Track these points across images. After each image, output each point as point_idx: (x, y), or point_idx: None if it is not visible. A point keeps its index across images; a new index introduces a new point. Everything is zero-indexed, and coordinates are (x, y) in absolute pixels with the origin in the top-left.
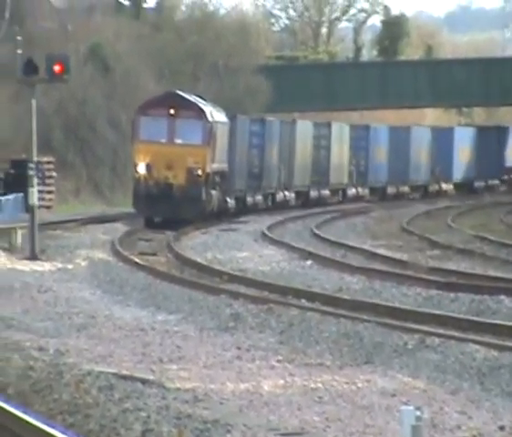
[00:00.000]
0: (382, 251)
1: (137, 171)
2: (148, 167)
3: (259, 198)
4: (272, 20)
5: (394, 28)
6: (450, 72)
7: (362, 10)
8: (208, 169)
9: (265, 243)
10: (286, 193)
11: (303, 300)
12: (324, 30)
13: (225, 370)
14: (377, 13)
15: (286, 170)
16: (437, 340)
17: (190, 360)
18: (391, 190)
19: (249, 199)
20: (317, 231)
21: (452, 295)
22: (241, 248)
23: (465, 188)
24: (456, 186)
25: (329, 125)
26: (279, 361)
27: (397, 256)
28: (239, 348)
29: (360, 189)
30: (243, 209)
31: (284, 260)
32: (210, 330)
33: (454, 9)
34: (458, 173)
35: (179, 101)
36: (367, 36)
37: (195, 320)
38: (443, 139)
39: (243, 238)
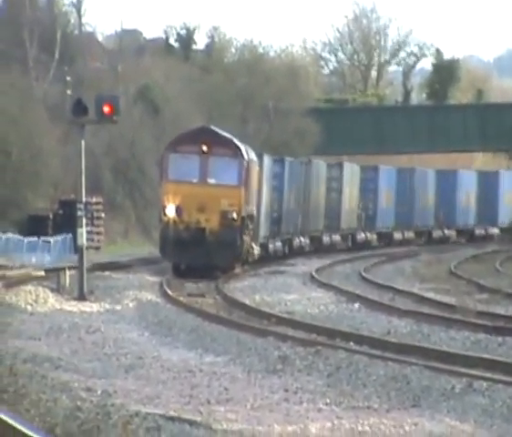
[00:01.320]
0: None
1: (165, 214)
2: (179, 209)
3: (278, 244)
4: (322, 63)
5: (444, 72)
6: (499, 116)
7: (411, 53)
8: (243, 213)
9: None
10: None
11: (351, 343)
12: (374, 73)
13: (272, 412)
14: (426, 56)
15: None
16: (485, 384)
17: (238, 402)
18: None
19: (270, 246)
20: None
21: (500, 339)
22: (290, 291)
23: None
24: (503, 230)
25: (340, 165)
26: (326, 404)
27: (446, 299)
28: (286, 390)
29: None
30: (265, 256)
31: (332, 303)
32: (258, 372)
33: (503, 53)
34: (504, 217)
35: (213, 137)
36: (416, 80)
37: (243, 362)
38: (488, 184)
39: (292, 281)
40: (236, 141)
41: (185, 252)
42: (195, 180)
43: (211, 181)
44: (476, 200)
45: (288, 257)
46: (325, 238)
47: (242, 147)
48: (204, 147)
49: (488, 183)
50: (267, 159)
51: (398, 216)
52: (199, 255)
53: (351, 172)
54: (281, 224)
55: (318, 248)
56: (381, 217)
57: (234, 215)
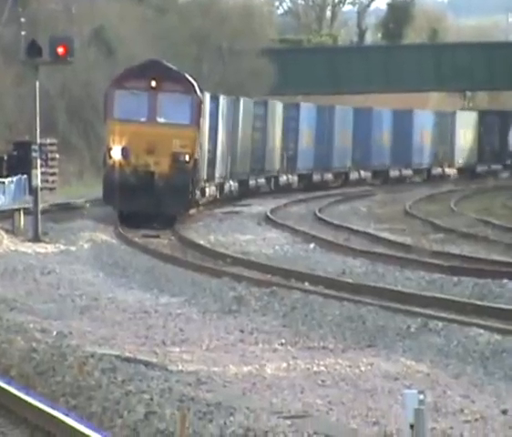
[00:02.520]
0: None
1: (110, 156)
2: (125, 151)
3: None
4: (276, 3)
5: (399, 12)
6: (454, 56)
7: None
8: (196, 155)
9: (268, 226)
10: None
11: (306, 284)
12: (328, 13)
13: (228, 353)
14: None
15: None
16: (440, 324)
17: (193, 343)
18: (393, 174)
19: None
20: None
21: (455, 279)
22: (245, 232)
23: (467, 172)
24: (459, 170)
25: (265, 103)
26: (282, 345)
27: (401, 239)
28: (242, 331)
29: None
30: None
31: (287, 243)
32: (213, 312)
33: None
34: (460, 157)
35: (163, 72)
36: (371, 20)
37: (198, 303)
38: (444, 123)
39: (247, 222)
40: (188, 76)
41: (132, 199)
42: (143, 119)
43: (161, 120)
44: (433, 141)
45: (242, 197)
46: (251, 182)
47: (195, 83)
48: (153, 83)
49: (444, 123)
50: (222, 99)
51: (317, 157)
52: (148, 202)
53: (273, 110)
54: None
55: (245, 192)
56: (301, 158)
57: (187, 157)
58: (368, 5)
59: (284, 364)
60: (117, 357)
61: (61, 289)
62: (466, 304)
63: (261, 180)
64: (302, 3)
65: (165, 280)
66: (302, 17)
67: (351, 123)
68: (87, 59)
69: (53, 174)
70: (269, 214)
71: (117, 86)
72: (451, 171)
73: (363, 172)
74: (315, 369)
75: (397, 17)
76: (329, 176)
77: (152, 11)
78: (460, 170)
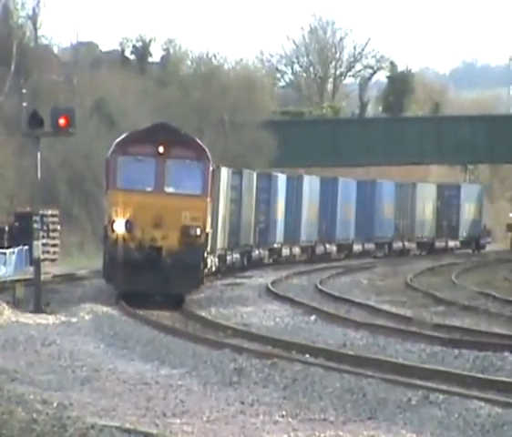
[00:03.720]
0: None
1: (112, 230)
2: (129, 224)
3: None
4: (278, 75)
5: (399, 84)
6: (455, 129)
7: (367, 66)
8: (208, 228)
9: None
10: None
11: (307, 356)
12: (329, 86)
13: (228, 424)
14: (383, 69)
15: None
16: (441, 397)
17: (194, 415)
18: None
19: (228, 258)
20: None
21: (456, 351)
22: (246, 303)
23: (426, 247)
24: (418, 244)
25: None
26: (282, 416)
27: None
28: (242, 402)
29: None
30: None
31: (288, 315)
32: (214, 384)
33: (458, 66)
34: (420, 231)
35: (172, 136)
36: (373, 92)
37: (199, 375)
38: (405, 195)
39: (248, 293)
40: (199, 141)
41: (136, 277)
42: (149, 189)
43: (170, 190)
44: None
45: (245, 269)
46: (228, 258)
47: (206, 149)
48: (161, 148)
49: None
50: (224, 170)
51: (287, 229)
52: (155, 281)
53: (248, 180)
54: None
55: (221, 267)
56: (273, 230)
57: (198, 231)
58: (370, 78)
59: (285, 436)
60: (117, 428)
61: (62, 361)
62: (467, 377)
63: (265, 252)
64: (304, 75)
65: (166, 352)
66: (304, 90)
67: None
68: (88, 131)
69: (54, 245)
70: (270, 286)
71: (121, 152)
72: (411, 245)
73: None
74: None
75: (397, 90)
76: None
77: (153, 83)
78: (419, 245)
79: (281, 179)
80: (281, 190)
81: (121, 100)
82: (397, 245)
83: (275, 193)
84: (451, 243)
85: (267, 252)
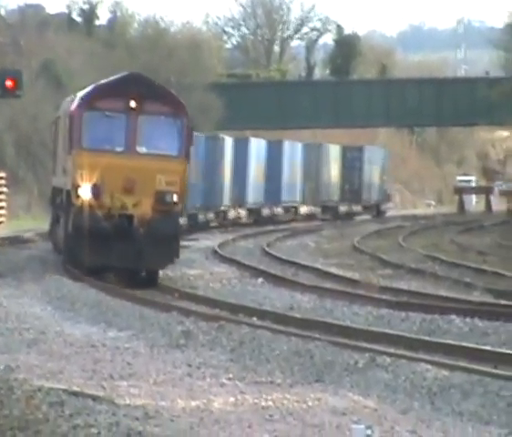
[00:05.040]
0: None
1: (77, 196)
2: (96, 189)
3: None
4: (225, 38)
5: (346, 47)
6: (403, 92)
7: (314, 29)
8: (185, 194)
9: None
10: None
11: (254, 318)
12: (277, 48)
13: (176, 387)
14: (329, 31)
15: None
16: (388, 360)
17: (141, 377)
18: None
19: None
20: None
21: (403, 314)
22: (193, 266)
23: (331, 212)
24: (323, 208)
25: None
26: (229, 379)
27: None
28: (189, 365)
29: None
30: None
31: (235, 278)
32: (161, 347)
33: (406, 29)
34: (325, 195)
35: (145, 88)
36: (320, 55)
37: (146, 337)
38: (312, 157)
39: (195, 256)
40: (176, 95)
41: (105, 251)
42: (119, 149)
43: (142, 150)
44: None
45: (191, 232)
46: (201, 216)
47: (184, 104)
48: (132, 103)
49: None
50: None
51: (233, 192)
52: (126, 254)
53: (196, 142)
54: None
55: (195, 227)
56: (219, 193)
57: (174, 197)
58: (316, 41)
59: (232, 399)
60: (64, 391)
61: (9, 323)
62: (414, 340)
63: (211, 215)
64: (251, 37)
65: (113, 315)
66: (251, 52)
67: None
68: (35, 93)
69: (1, 207)
70: (217, 249)
71: (87, 107)
72: (316, 210)
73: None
74: (263, 403)
75: (344, 53)
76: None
77: (100, 45)
78: (324, 209)
79: (228, 142)
80: (228, 153)
81: (68, 62)
82: (303, 209)
83: (222, 156)
84: (354, 208)
85: (213, 215)
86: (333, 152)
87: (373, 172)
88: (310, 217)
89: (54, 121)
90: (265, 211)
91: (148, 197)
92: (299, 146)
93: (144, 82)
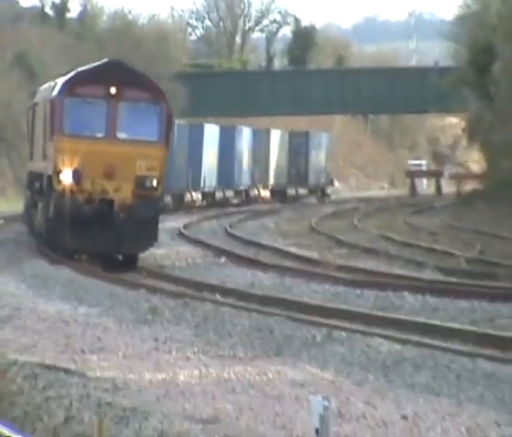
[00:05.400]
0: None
1: (58, 181)
2: (77, 174)
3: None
4: (189, 30)
5: (303, 39)
6: (358, 81)
7: (274, 21)
8: (164, 179)
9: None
10: None
11: (218, 296)
12: (238, 40)
13: (143, 360)
14: (288, 24)
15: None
16: (344, 334)
17: (110, 351)
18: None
19: None
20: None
21: (358, 291)
22: (159, 246)
23: (279, 195)
24: (272, 192)
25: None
26: (194, 353)
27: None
28: (156, 340)
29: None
30: None
31: (199, 257)
32: (130, 322)
33: (360, 21)
34: (273, 179)
35: (125, 75)
36: (279, 46)
37: (115, 314)
38: (261, 142)
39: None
40: (155, 82)
41: (86, 235)
42: (100, 135)
43: (123, 136)
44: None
45: None
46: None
47: (163, 91)
48: (113, 89)
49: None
50: None
51: (191, 177)
52: (106, 239)
53: (179, 131)
54: None
55: None
56: (177, 178)
57: (154, 182)
58: (276, 33)
59: (196, 372)
60: (37, 364)
61: None
62: (369, 315)
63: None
64: (214, 30)
65: (84, 292)
66: (214, 43)
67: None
68: (9, 82)
69: None
70: (182, 229)
71: (68, 93)
72: (265, 193)
73: None
74: (226, 376)
75: (302, 44)
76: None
77: (72, 37)
78: (272, 192)
79: (183, 128)
80: (184, 138)
81: (41, 53)
82: (254, 193)
83: (179, 141)
84: (301, 191)
85: (170, 198)
86: (281, 138)
87: (318, 157)
88: (260, 199)
89: (30, 107)
90: (218, 195)
91: (128, 182)
92: (249, 132)
93: (124, 69)
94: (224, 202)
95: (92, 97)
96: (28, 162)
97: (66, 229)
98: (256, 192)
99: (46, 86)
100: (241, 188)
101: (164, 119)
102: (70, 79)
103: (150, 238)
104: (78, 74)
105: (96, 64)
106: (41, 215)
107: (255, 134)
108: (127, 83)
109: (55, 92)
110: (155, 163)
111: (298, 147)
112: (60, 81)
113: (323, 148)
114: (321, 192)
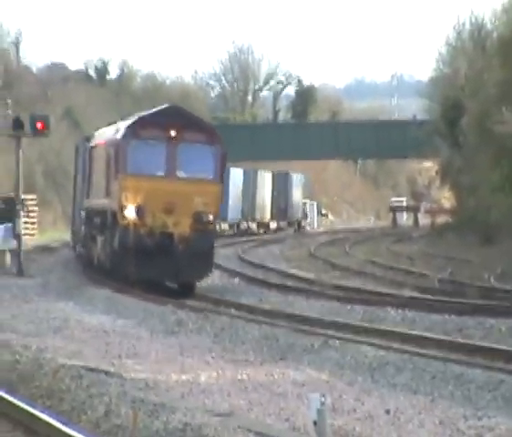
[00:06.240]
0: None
1: (123, 216)
2: (140, 210)
3: None
4: (209, 89)
5: (304, 97)
6: (349, 132)
7: (279, 82)
8: (219, 213)
9: None
10: None
11: (232, 310)
12: (249, 97)
13: (170, 364)
14: (291, 84)
15: None
16: (337, 342)
17: (143, 356)
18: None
19: None
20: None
21: (349, 306)
22: None
23: (263, 227)
24: (258, 225)
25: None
26: (213, 358)
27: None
28: (181, 347)
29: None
30: None
31: (217, 277)
32: (159, 332)
33: (351, 82)
34: (258, 214)
35: (184, 119)
36: (283, 103)
37: (147, 325)
38: (249, 181)
39: None
40: (211, 125)
41: (148, 265)
42: (161, 173)
43: (182, 175)
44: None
45: None
46: None
47: (219, 133)
48: (172, 132)
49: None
50: None
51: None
52: (167, 268)
53: None
54: None
55: None
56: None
57: (210, 217)
58: (281, 92)
59: (214, 373)
60: (82, 367)
61: (39, 314)
62: (358, 326)
63: None
64: (229, 89)
65: (121, 307)
66: (229, 100)
67: None
68: (59, 133)
69: (33, 223)
70: None
71: (132, 136)
72: (253, 225)
73: None
74: (239, 377)
75: (303, 101)
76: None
77: (111, 95)
78: (258, 225)
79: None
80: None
81: (85, 109)
82: (243, 225)
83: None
84: (281, 223)
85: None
86: (266, 177)
87: (296, 194)
88: (249, 232)
89: (86, 150)
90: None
91: (186, 216)
92: (240, 172)
93: (182, 113)
94: (220, 233)
95: (154, 139)
96: (84, 200)
97: (130, 260)
98: (245, 225)
99: (104, 130)
100: (234, 221)
101: (219, 159)
102: (134, 123)
103: (207, 267)
104: (141, 118)
105: (157, 109)
106: (103, 247)
107: (245, 173)
108: (185, 126)
109: (119, 135)
110: (211, 199)
111: (279, 186)
112: (123, 125)
113: (300, 187)
114: (297, 225)
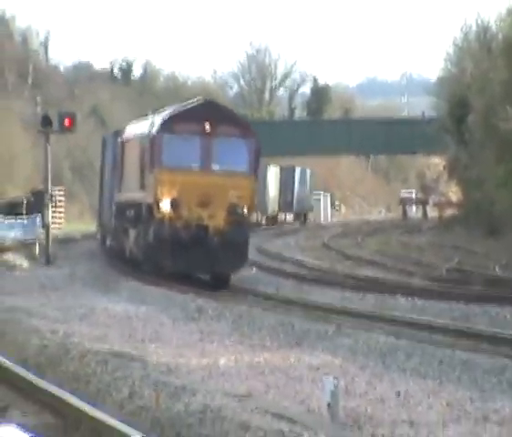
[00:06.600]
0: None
1: (158, 209)
2: (175, 203)
3: None
4: (227, 88)
5: (319, 95)
6: (361, 129)
7: (295, 81)
8: (254, 205)
9: None
10: None
11: (250, 297)
12: (266, 95)
13: (191, 349)
14: (306, 82)
15: None
16: (350, 329)
17: (165, 342)
18: None
19: None
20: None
21: (361, 295)
22: None
23: (272, 219)
24: (267, 218)
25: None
26: (231, 343)
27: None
28: (201, 333)
29: None
30: None
31: None
32: (180, 319)
33: (363, 80)
34: (269, 207)
35: (218, 113)
36: (299, 100)
37: (169, 312)
38: (260, 176)
39: None
40: (245, 119)
41: (184, 257)
42: (196, 167)
43: (216, 168)
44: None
45: None
46: None
47: (252, 127)
48: (207, 126)
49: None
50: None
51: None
52: (202, 260)
53: None
54: None
55: None
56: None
57: (245, 209)
58: (297, 90)
59: (233, 358)
60: (107, 352)
61: (66, 301)
62: (370, 314)
63: None
64: (247, 88)
65: (145, 296)
66: (247, 98)
67: None
68: (85, 129)
69: (60, 213)
70: None
71: (167, 130)
72: (262, 219)
73: None
74: (256, 361)
75: (318, 99)
76: None
77: (135, 94)
78: (267, 218)
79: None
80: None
81: (110, 106)
82: (252, 218)
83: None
84: (288, 216)
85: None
86: (275, 172)
87: (301, 188)
88: (257, 224)
89: (117, 144)
90: None
91: (221, 209)
92: None
93: (217, 108)
94: None
95: (188, 133)
96: (115, 193)
97: (166, 253)
98: (254, 218)
99: (136, 124)
100: None
101: (253, 153)
102: (169, 117)
103: (241, 259)
104: (176, 112)
105: (191, 102)
106: (136, 240)
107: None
108: (220, 120)
109: (154, 129)
110: (245, 192)
111: (286, 180)
112: (158, 119)
113: (305, 181)
114: (303, 217)
